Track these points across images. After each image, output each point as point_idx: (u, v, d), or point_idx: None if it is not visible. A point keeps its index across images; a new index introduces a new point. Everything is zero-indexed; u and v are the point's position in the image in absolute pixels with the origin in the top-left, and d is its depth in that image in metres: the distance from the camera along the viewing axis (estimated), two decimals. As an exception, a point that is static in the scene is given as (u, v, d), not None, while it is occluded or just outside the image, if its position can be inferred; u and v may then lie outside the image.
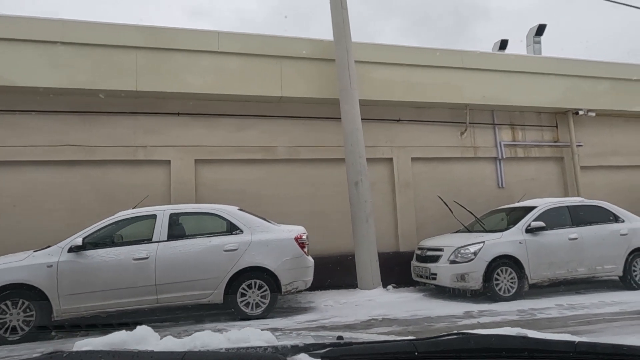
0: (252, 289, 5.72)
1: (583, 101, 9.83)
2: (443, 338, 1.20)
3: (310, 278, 6.08)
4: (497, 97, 9.23)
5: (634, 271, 7.20)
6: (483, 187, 9.42)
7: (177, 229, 5.75)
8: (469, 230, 7.47)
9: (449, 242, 6.99)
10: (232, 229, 5.90)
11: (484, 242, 6.59)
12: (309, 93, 8.12)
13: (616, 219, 7.40)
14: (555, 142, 9.99)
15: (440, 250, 6.89)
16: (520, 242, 6.69)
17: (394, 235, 8.76)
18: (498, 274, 6.50)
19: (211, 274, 5.59)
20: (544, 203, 7.27)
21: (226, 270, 5.64)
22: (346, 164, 7.57)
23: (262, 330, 1.48)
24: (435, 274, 6.79)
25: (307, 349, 1.15)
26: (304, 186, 8.37)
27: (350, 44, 7.74)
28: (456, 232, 7.85)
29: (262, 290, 5.74)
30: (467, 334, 1.26)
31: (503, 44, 11.29)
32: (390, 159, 8.89)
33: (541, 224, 6.78)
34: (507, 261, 6.57)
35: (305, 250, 6.06)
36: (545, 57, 9.81)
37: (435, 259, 6.91)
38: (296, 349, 1.16)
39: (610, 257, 7.10)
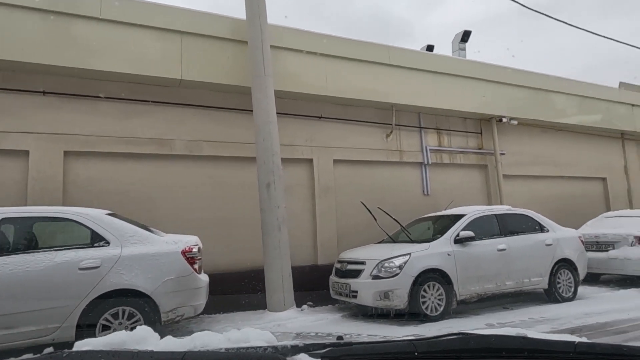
0: (118, 320, 4.29)
1: (506, 109, 9.67)
2: (443, 338, 1.20)
3: (202, 302, 4.79)
4: (424, 99, 8.69)
5: (558, 283, 6.86)
6: (408, 193, 8.78)
7: (6, 241, 4.17)
8: (393, 240, 6.66)
9: (371, 254, 6.10)
10: (95, 239, 4.44)
11: (410, 254, 5.79)
12: (216, 78, 6.87)
13: (541, 228, 7.05)
14: (480, 149, 9.71)
15: (362, 263, 5.97)
16: (448, 254, 5.99)
17: (312, 246, 7.74)
18: (425, 291, 5.71)
19: (58, 301, 4.08)
20: (472, 211, 6.70)
21: (81, 296, 4.17)
22: (257, 162, 6.41)
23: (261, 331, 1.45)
24: (356, 292, 5.84)
25: (307, 349, 1.15)
26: (207, 188, 7.06)
27: (266, 23, 6.65)
28: (380, 242, 7.03)
29: (132, 320, 4.34)
30: (467, 334, 1.24)
31: (429, 49, 10.98)
32: (310, 160, 7.89)
33: (470, 233, 6.15)
34: (434, 276, 5.82)
35: (197, 266, 4.77)
36: (471, 61, 9.53)
37: (356, 273, 5.97)
38: (296, 349, 1.15)
39: (536, 269, 6.68)
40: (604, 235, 8.30)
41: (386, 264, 5.75)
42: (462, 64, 9.36)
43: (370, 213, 6.59)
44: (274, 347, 1.21)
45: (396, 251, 5.90)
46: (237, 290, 6.55)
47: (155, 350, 1.13)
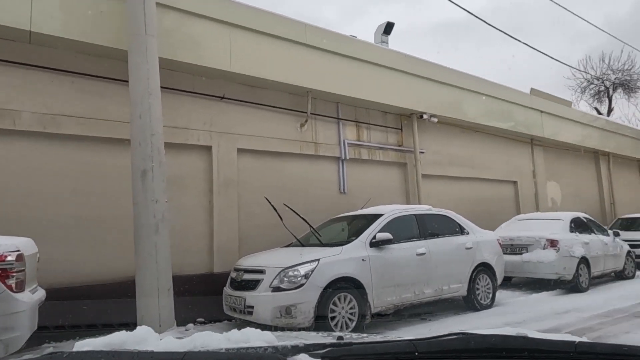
0: None
1: (427, 105, 9.22)
2: (443, 338, 1.19)
3: (18, 333, 3.33)
4: (344, 87, 7.85)
5: (477, 289, 6.37)
6: (323, 190, 7.87)
7: None
8: (302, 243, 5.66)
9: (273, 260, 5.03)
10: None
11: (318, 260, 4.82)
12: (81, 35, 5.35)
13: (462, 230, 6.52)
14: (400, 146, 9.14)
15: (261, 272, 4.88)
16: (363, 260, 5.12)
17: (207, 251, 6.47)
18: (335, 304, 4.78)
19: None
20: (390, 211, 5.94)
21: None
22: (131, 143, 5.02)
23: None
24: (252, 307, 4.73)
25: (307, 349, 1.14)
26: (68, 177, 5.49)
27: (150, -29, 5.30)
28: (288, 245, 6.00)
29: None
30: (468, 334, 1.23)
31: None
32: (209, 148, 6.63)
33: (388, 235, 5.36)
34: (346, 285, 4.91)
35: (12, 282, 3.31)
36: (396, 52, 8.91)
37: (253, 284, 4.86)
38: (296, 349, 1.14)
39: (456, 275, 6.11)
40: (519, 238, 8.11)
41: (290, 273, 4.72)
42: (386, 54, 8.71)
43: (275, 211, 5.53)
44: (274, 347, 1.20)
45: (303, 257, 4.90)
46: (104, 306, 5.09)
47: (155, 350, 1.14)
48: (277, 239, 6.33)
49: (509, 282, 8.43)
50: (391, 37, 10.68)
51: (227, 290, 5.24)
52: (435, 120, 9.36)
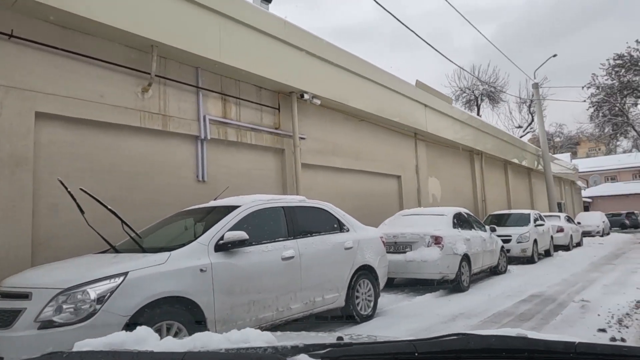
0: None
1: (310, 84, 8.00)
2: (443, 338, 1.18)
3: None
4: (206, 47, 6.19)
5: (357, 297, 5.27)
6: (174, 178, 6.11)
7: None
8: (116, 249, 3.88)
9: (51, 277, 3.20)
10: None
11: (126, 273, 3.13)
12: None
13: (341, 227, 5.36)
14: (276, 128, 7.77)
15: (24, 296, 3.02)
16: (202, 270, 3.57)
17: (-26, 262, 4.30)
18: (151, 340, 3.14)
19: None
20: (250, 202, 4.48)
21: None
22: None
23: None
24: (2, 358, 2.85)
25: (307, 349, 1.12)
26: None
27: None
28: (104, 252, 4.15)
29: None
30: (467, 334, 1.20)
31: None
32: (-17, 108, 4.44)
33: (242, 235, 3.87)
34: (173, 310, 3.31)
35: None
36: (276, 17, 7.49)
37: (9, 317, 2.97)
38: (296, 350, 1.12)
39: (332, 282, 4.90)
40: (403, 235, 7.33)
41: (77, 296, 2.97)
42: (264, 17, 7.24)
43: (72, 197, 3.65)
44: (274, 348, 1.19)
45: (101, 270, 3.17)
46: None
47: (155, 350, 1.15)
48: (99, 242, 4.43)
49: (391, 284, 7.66)
50: (272, 8, 9.30)
51: (-21, 326, 3.25)
52: (318, 102, 8.21)
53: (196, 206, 4.90)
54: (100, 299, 2.97)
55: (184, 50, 5.92)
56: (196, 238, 3.75)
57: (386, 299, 6.63)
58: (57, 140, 4.99)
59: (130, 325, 2.99)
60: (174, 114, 6.14)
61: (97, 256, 3.88)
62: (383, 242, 5.95)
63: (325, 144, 8.83)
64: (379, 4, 7.94)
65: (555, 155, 28.30)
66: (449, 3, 10.22)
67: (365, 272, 5.40)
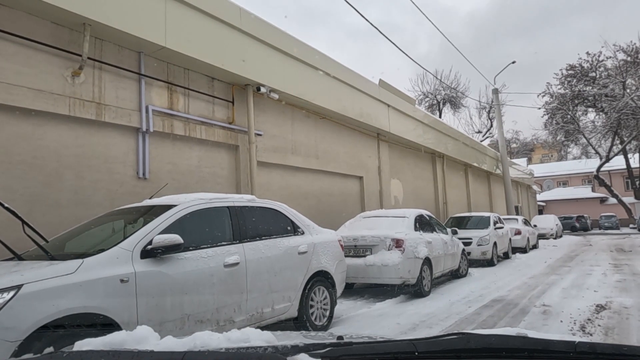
0: None
1: (267, 77, 7.50)
2: (443, 338, 1.17)
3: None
4: (148, 30, 5.57)
5: (311, 307, 4.83)
6: (109, 174, 5.45)
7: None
8: (18, 256, 3.23)
9: None
10: None
11: (19, 286, 2.54)
12: None
13: (295, 230, 4.90)
14: (230, 123, 7.21)
15: None
16: (123, 280, 3.01)
17: None
18: (51, 368, 2.56)
19: None
20: (189, 201, 3.94)
21: None
22: None
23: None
24: None
25: (307, 348, 1.12)
26: None
27: None
28: (9, 259, 3.49)
29: None
30: (467, 334, 1.20)
31: None
32: None
33: (174, 239, 3.33)
34: (82, 330, 2.74)
35: None
36: (230, 2, 6.91)
37: None
38: (296, 349, 1.12)
39: (283, 290, 4.44)
40: (363, 237, 6.96)
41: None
42: (218, 2, 6.68)
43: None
44: (274, 347, 1.18)
45: (-12, 281, 2.56)
46: None
47: (155, 350, 1.14)
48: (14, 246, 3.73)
49: (350, 289, 7.29)
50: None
51: None
52: (276, 96, 7.73)
53: (128, 206, 4.30)
54: (-20, 320, 2.36)
55: (123, 31, 5.29)
56: (118, 243, 3.18)
57: (344, 306, 6.25)
58: (-39, 127, 4.25)
59: (20, 353, 2.41)
60: (110, 103, 5.48)
61: (-2, 264, 3.22)
62: (341, 245, 5.54)
63: (284, 142, 8.36)
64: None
65: (513, 160, 29.13)
66: (413, 3, 10.02)
67: (321, 278, 4.98)
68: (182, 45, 5.98)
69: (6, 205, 2.96)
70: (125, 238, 3.29)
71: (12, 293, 2.49)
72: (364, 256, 6.86)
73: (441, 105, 36.08)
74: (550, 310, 5.66)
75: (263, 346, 1.21)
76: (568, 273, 9.30)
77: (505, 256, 12.50)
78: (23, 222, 3.02)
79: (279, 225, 4.70)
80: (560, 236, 23.08)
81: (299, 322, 4.66)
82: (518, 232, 14.27)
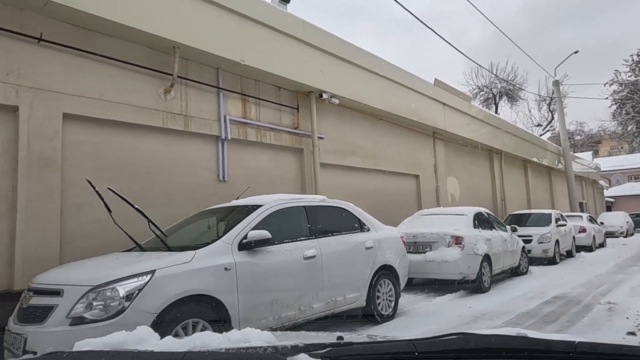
0: None
1: (328, 83, 8.00)
2: (443, 338, 1.17)
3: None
4: (225, 48, 6.24)
5: (378, 297, 5.25)
6: (195, 177, 6.18)
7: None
8: (141, 247, 3.95)
9: (81, 274, 3.27)
10: None
11: (153, 271, 3.19)
12: None
13: (361, 226, 5.34)
14: (295, 128, 7.79)
15: (57, 293, 3.10)
16: (226, 268, 3.61)
17: (5, 260, 4.43)
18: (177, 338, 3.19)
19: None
20: (272, 201, 4.51)
21: None
22: None
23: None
24: (36, 353, 2.94)
25: (307, 349, 1.12)
26: None
27: None
28: (129, 250, 4.23)
29: None
30: (467, 334, 1.20)
31: None
32: (14, 109, 4.57)
33: (264, 234, 3.90)
34: (198, 308, 3.35)
35: None
36: (294, 17, 7.51)
37: (42, 314, 3.06)
38: (296, 349, 1.12)
39: (353, 282, 4.90)
40: (422, 235, 7.27)
41: (106, 293, 3.03)
42: (283, 17, 7.27)
43: (100, 197, 3.73)
44: (274, 347, 1.18)
45: (129, 267, 3.23)
46: None
47: (155, 350, 1.13)
48: (123, 240, 4.50)
49: (410, 284, 7.61)
50: (290, 8, 9.33)
51: (10, 323, 3.34)
52: (337, 101, 8.20)
53: (218, 205, 4.95)
54: (129, 297, 3.03)
55: (206, 51, 5.99)
56: (220, 237, 3.79)
57: (406, 299, 6.60)
58: (82, 141, 5.10)
59: (157, 323, 3.05)
60: (195, 115, 6.21)
61: (123, 254, 3.95)
62: (403, 241, 5.91)
63: (343, 144, 8.82)
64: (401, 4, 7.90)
65: (576, 154, 27.69)
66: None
67: (386, 272, 5.38)
68: (254, 60, 6.60)
69: (136, 206, 3.64)
70: (224, 233, 3.90)
71: (149, 276, 3.14)
72: (424, 252, 7.16)
73: (497, 99, 34.84)
74: (615, 307, 5.68)
75: (263, 346, 1.21)
76: (638, 272, 9.00)
77: (569, 255, 12.17)
78: (148, 220, 3.70)
79: (347, 223, 5.17)
80: (632, 234, 21.72)
81: (367, 311, 5.10)
82: (583, 230, 13.77)
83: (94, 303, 2.99)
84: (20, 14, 4.65)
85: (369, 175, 9.49)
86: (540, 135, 30.81)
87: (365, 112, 9.35)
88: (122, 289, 3.03)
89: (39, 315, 3.04)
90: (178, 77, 5.85)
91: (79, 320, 2.95)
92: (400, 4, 8.22)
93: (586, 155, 32.43)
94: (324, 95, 7.89)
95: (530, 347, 1.08)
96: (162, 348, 1.21)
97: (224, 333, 1.34)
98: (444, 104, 11.70)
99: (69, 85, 4.96)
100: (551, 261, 10.76)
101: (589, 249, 13.73)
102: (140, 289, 3.07)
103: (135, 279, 3.10)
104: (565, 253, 11.90)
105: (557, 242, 11.06)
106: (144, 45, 5.68)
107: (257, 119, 7.14)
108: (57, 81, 4.87)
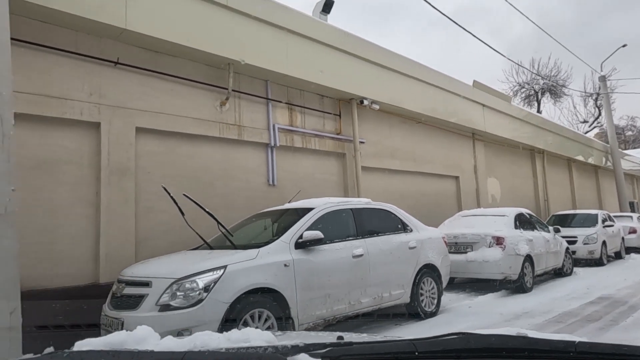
0: None
1: (368, 90, 8.34)
2: (443, 338, 1.18)
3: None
4: (274, 62, 6.73)
5: (421, 295, 5.54)
6: (247, 182, 6.71)
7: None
8: (210, 246, 4.47)
9: (165, 269, 3.81)
10: None
11: (225, 267, 3.67)
12: None
13: (404, 227, 5.66)
14: (338, 134, 8.19)
15: (146, 284, 3.64)
16: (285, 265, 4.05)
17: (92, 257, 5.08)
18: (246, 324, 3.65)
19: None
20: (322, 204, 4.92)
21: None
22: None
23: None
24: (131, 334, 3.48)
25: (307, 348, 1.13)
26: None
27: None
28: (196, 248, 4.78)
29: None
30: (467, 333, 1.21)
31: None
32: (96, 125, 5.23)
33: (318, 234, 4.32)
34: (263, 299, 3.81)
35: None
36: (335, 28, 7.92)
37: (135, 302, 3.61)
38: (296, 349, 1.13)
39: (398, 279, 5.23)
40: (463, 235, 7.46)
41: (186, 285, 3.54)
42: (324, 29, 7.70)
43: (175, 203, 4.29)
44: (274, 347, 1.19)
45: (204, 263, 3.73)
46: None
47: (155, 350, 1.14)
48: (187, 240, 5.08)
49: (451, 283, 7.80)
50: (330, 18, 9.74)
51: (105, 309, 3.93)
52: (377, 107, 8.53)
53: (272, 208, 5.43)
54: (207, 288, 3.52)
55: (257, 66, 6.50)
56: (279, 236, 4.24)
57: (447, 298, 6.82)
58: (152, 151, 5.72)
59: (230, 311, 3.53)
60: (247, 124, 6.74)
61: (193, 252, 4.49)
62: (445, 242, 6.17)
63: (384, 147, 9.13)
64: (435, 8, 8.14)
65: (627, 151, 26.46)
66: None
67: (429, 270, 5.67)
68: (299, 72, 7.06)
69: (207, 210, 4.15)
70: (282, 233, 4.34)
71: (222, 271, 3.63)
72: (465, 252, 7.35)
73: (539, 96, 33.74)
74: (663, 308, 5.68)
75: (263, 346, 1.22)
76: (691, 274, 8.74)
77: (617, 256, 11.86)
78: (218, 222, 4.20)
79: (391, 224, 5.50)
80: (688, 235, 20.55)
81: (411, 308, 5.42)
82: (633, 231, 13.32)
83: (177, 293, 3.50)
84: (100, 42, 5.31)
85: (409, 178, 9.74)
86: (587, 132, 29.66)
87: (404, 116, 9.61)
88: (201, 282, 3.53)
89: (132, 302, 3.59)
90: (232, 90, 6.39)
91: (166, 308, 3.47)
92: (432, 5, 8.40)
93: (638, 152, 30.85)
94: (365, 102, 8.25)
95: (530, 347, 1.09)
96: (162, 348, 1.21)
97: (224, 332, 1.35)
98: (483, 105, 11.74)
99: (140, 101, 5.59)
100: (598, 262, 10.57)
101: (639, 250, 13.27)
102: (215, 282, 3.56)
103: (211, 273, 3.59)
104: (613, 254, 11.61)
105: (604, 243, 10.84)
106: (203, 63, 6.26)
107: (303, 127, 7.59)
108: (131, 98, 5.51)
